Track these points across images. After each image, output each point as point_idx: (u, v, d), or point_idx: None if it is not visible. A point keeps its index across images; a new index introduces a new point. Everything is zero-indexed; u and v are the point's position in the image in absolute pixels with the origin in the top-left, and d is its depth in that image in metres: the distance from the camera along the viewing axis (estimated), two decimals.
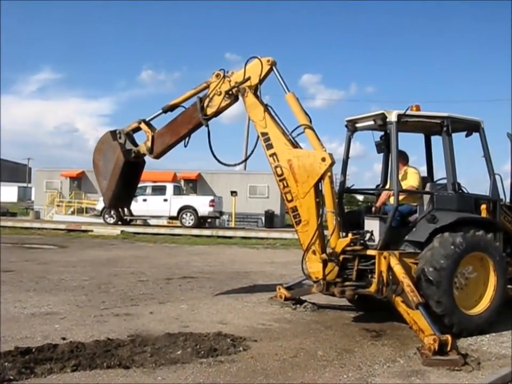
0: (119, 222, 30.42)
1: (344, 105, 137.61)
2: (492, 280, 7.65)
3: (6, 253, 17.05)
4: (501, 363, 6.19)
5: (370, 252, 7.68)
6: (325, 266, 7.73)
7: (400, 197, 7.80)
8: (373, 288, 7.54)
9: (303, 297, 9.27)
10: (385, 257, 7.42)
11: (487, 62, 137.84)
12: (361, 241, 7.74)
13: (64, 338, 6.61)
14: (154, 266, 14.52)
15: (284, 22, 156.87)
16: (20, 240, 22.22)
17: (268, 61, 8.45)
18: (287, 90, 8.39)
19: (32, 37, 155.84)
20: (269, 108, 8.47)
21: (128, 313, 8.30)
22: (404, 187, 8.22)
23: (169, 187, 31.40)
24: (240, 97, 8.65)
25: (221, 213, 32.54)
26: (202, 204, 30.32)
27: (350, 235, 7.72)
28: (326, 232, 8.00)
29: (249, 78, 8.47)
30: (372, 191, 9.83)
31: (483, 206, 8.23)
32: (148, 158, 9.60)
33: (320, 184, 7.85)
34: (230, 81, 8.65)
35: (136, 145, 9.45)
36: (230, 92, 8.63)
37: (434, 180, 8.98)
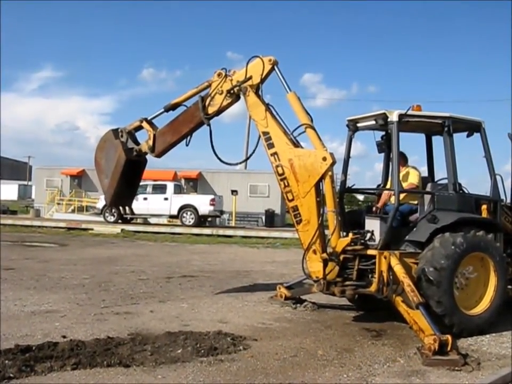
0: (120, 221, 30.39)
1: (345, 104, 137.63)
2: (492, 280, 7.65)
3: (6, 251, 17.05)
4: (501, 363, 6.20)
5: (370, 252, 7.68)
6: (325, 265, 7.73)
7: (401, 197, 7.81)
8: (373, 288, 7.54)
9: (303, 297, 9.28)
10: (385, 257, 7.42)
11: (489, 62, 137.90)
12: (362, 241, 7.74)
13: (64, 337, 6.61)
14: (154, 265, 14.53)
15: (285, 21, 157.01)
16: (20, 238, 22.21)
17: (270, 60, 8.46)
18: (289, 89, 8.39)
19: (34, 35, 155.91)
20: (270, 107, 8.48)
21: (128, 312, 8.31)
22: (405, 187, 8.22)
23: (170, 186, 31.41)
24: (241, 97, 8.65)
25: (222, 212, 32.54)
26: (202, 203, 30.31)
27: (350, 235, 7.73)
28: (326, 232, 7.99)
29: (250, 77, 8.48)
30: (372, 191, 9.83)
31: (484, 206, 8.23)
32: (149, 157, 9.61)
33: (321, 183, 7.85)
34: (231, 80, 8.65)
35: (138, 143, 9.46)
36: (232, 91, 8.63)
37: (435, 180, 8.98)
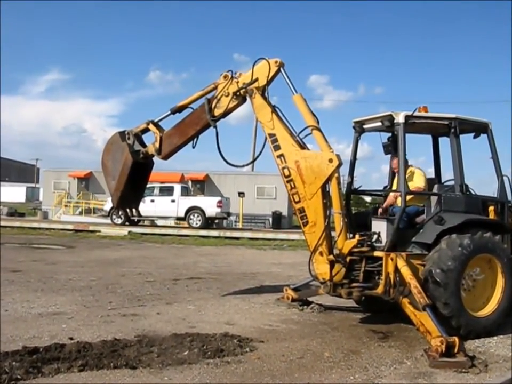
0: (127, 223, 30.46)
1: (352, 106, 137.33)
2: (500, 282, 7.61)
3: (14, 253, 17.16)
4: (509, 365, 6.16)
5: (377, 253, 7.66)
6: (332, 267, 7.73)
7: (408, 197, 7.79)
8: (380, 290, 7.53)
9: (310, 299, 9.26)
10: (392, 259, 7.41)
11: (496, 63, 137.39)
12: (368, 243, 7.74)
13: (71, 338, 6.63)
14: (161, 267, 14.55)
15: (292, 23, 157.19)
16: (28, 240, 22.31)
17: (276, 62, 8.46)
18: (295, 91, 8.39)
19: (40, 38, 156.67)
20: (277, 109, 8.48)
21: (135, 314, 8.32)
22: (410, 188, 8.20)
23: (177, 188, 31.44)
24: (247, 99, 8.66)
25: (229, 214, 32.54)
26: (209, 205, 30.34)
27: (357, 236, 7.73)
28: (333, 234, 7.99)
29: (257, 79, 8.49)
30: (379, 192, 9.81)
31: (491, 208, 8.20)
32: (156, 159, 9.63)
33: (327, 185, 7.84)
34: (237, 82, 8.66)
35: (144, 146, 9.49)
36: (238, 93, 8.64)
37: (442, 181, 8.96)
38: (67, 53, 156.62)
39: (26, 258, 15.58)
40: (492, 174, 8.35)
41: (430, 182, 8.64)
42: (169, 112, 9.37)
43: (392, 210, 8.37)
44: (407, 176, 8.43)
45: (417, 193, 8.29)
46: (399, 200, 8.08)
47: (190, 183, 39.29)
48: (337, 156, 7.81)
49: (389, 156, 8.97)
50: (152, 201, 30.11)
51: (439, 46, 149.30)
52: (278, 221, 35.91)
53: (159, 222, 32.74)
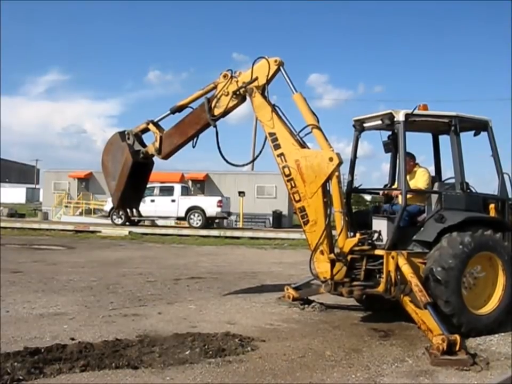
0: (127, 223, 30.47)
1: (352, 104, 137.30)
2: (501, 279, 7.61)
3: (14, 254, 17.16)
4: (510, 363, 6.16)
5: (378, 252, 7.66)
6: (333, 266, 7.72)
7: (409, 197, 7.79)
8: (381, 288, 7.53)
9: (311, 297, 9.26)
10: (393, 257, 7.41)
11: (495, 61, 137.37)
12: (369, 241, 7.73)
13: (73, 339, 6.63)
14: (162, 267, 14.55)
15: (291, 22, 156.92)
16: (29, 241, 22.31)
17: (275, 61, 8.46)
18: (295, 90, 8.38)
19: (40, 38, 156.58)
20: (277, 108, 8.47)
21: (136, 314, 8.32)
22: (412, 187, 8.21)
23: (177, 188, 31.46)
24: (247, 98, 8.66)
25: (229, 214, 32.55)
26: (210, 205, 30.34)
27: (358, 235, 7.73)
28: (333, 232, 7.99)
29: (256, 78, 8.48)
30: (379, 191, 9.80)
31: (491, 206, 8.20)
32: (156, 159, 9.63)
33: (327, 184, 7.84)
34: (237, 81, 8.65)
35: (144, 146, 9.48)
36: (238, 92, 8.63)
37: (443, 179, 8.96)
38: (66, 53, 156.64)
39: (27, 259, 15.58)
40: (493, 171, 8.36)
41: (432, 181, 8.64)
42: (169, 111, 9.36)
43: (393, 209, 8.37)
44: (411, 175, 8.45)
45: (418, 192, 8.30)
46: (400, 199, 8.07)
47: (190, 182, 39.29)
48: (338, 154, 7.80)
49: (389, 154, 8.99)
50: (153, 201, 30.12)
51: (439, 44, 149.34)
52: (278, 220, 35.91)
53: (160, 222, 32.71)
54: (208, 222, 30.67)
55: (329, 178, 7.77)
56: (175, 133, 9.22)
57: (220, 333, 7.02)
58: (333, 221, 7.88)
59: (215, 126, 8.89)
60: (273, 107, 8.44)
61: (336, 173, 7.77)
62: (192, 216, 30.16)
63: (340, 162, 7.79)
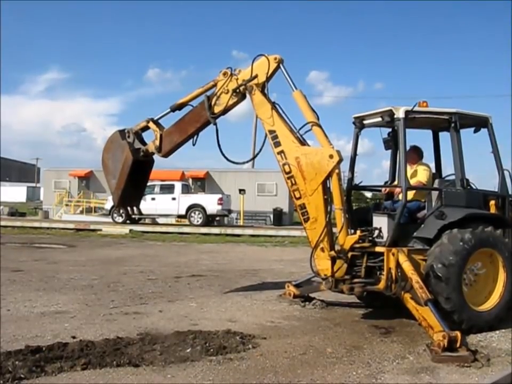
0: (128, 221, 30.49)
1: (352, 102, 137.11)
2: (501, 276, 7.60)
3: (15, 253, 17.18)
4: (511, 359, 6.16)
5: (378, 249, 7.66)
6: (333, 263, 7.72)
7: (409, 194, 7.79)
8: (381, 285, 7.53)
9: (312, 295, 9.26)
10: (393, 254, 7.41)
11: (495, 58, 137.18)
12: (370, 238, 7.72)
13: (74, 337, 6.63)
14: (163, 265, 14.56)
15: (291, 20, 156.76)
16: (29, 240, 22.32)
17: (275, 58, 8.43)
18: (294, 87, 8.36)
19: (39, 37, 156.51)
20: (276, 106, 8.45)
21: (137, 312, 8.33)
22: (412, 183, 8.21)
23: (178, 186, 31.50)
24: (247, 95, 8.65)
25: (229, 211, 32.58)
26: (210, 202, 30.38)
27: (358, 232, 7.71)
28: (334, 230, 7.98)
29: (256, 76, 8.45)
30: (380, 188, 9.81)
31: (492, 202, 8.19)
32: (156, 157, 9.62)
33: (328, 181, 7.83)
34: (237, 79, 8.63)
35: (144, 144, 9.47)
36: (237, 90, 8.62)
37: (443, 176, 8.96)
38: (66, 51, 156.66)
39: (27, 258, 15.59)
40: (493, 168, 8.35)
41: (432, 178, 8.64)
42: (169, 109, 9.35)
43: (393, 206, 8.37)
44: (412, 171, 8.45)
45: (418, 188, 8.30)
46: (401, 195, 8.07)
47: (190, 180, 39.31)
48: (338, 151, 7.78)
49: (390, 151, 8.98)
50: (153, 199, 30.17)
51: (438, 41, 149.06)
52: (279, 218, 35.95)
53: (160, 220, 32.74)
54: (209, 220, 30.71)
55: (329, 176, 7.75)
56: (175, 131, 9.22)
57: (221, 331, 7.02)
58: (333, 218, 7.88)
59: (215, 124, 8.88)
60: (273, 105, 8.42)
61: (337, 170, 7.75)
62: (192, 214, 30.20)
63: (340, 160, 7.76)
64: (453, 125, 7.95)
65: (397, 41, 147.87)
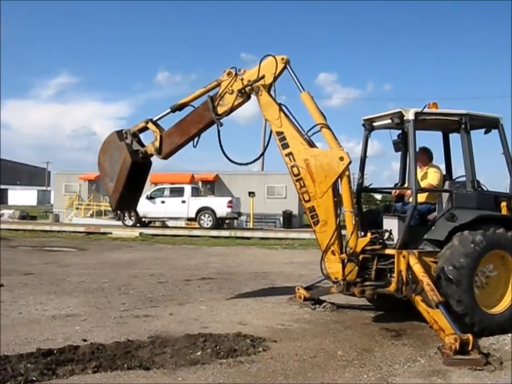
0: (138, 224, 30.56)
1: (361, 104, 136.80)
2: None
3: (26, 256, 17.26)
4: None
5: (389, 251, 7.64)
6: (344, 266, 7.69)
7: (420, 196, 7.76)
8: (392, 288, 7.50)
9: (322, 297, 9.23)
10: (404, 256, 7.38)
11: (506, 58, 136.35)
12: (380, 241, 7.70)
13: (85, 340, 6.65)
14: (173, 268, 14.58)
15: (299, 22, 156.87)
16: (40, 243, 22.42)
17: (282, 59, 8.35)
18: (302, 89, 8.31)
19: (49, 41, 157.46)
20: (283, 107, 8.36)
21: (147, 315, 8.34)
22: (423, 185, 8.17)
23: (187, 188, 31.50)
24: (253, 96, 8.57)
25: (239, 214, 32.55)
26: (220, 205, 30.37)
27: (369, 234, 7.68)
28: (344, 232, 7.96)
29: (263, 77, 8.33)
30: (390, 190, 9.76)
31: (503, 204, 8.14)
32: (154, 159, 9.39)
33: (337, 183, 7.80)
34: (242, 79, 8.51)
35: (143, 145, 9.23)
36: (243, 91, 8.49)
37: (453, 177, 8.91)
38: (76, 56, 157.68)
39: (38, 261, 15.66)
40: (504, 169, 8.30)
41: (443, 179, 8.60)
42: (169, 110, 9.11)
43: (404, 208, 8.34)
44: (423, 173, 8.41)
45: (428, 191, 8.26)
46: (411, 198, 8.03)
47: (200, 183, 39.32)
48: (347, 153, 7.76)
49: (399, 153, 8.95)
50: (163, 202, 30.23)
51: (447, 42, 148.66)
52: (288, 220, 35.89)
53: (170, 223, 32.76)
54: (219, 223, 30.69)
55: (339, 178, 7.73)
56: (176, 132, 9.00)
57: (231, 334, 7.02)
58: (342, 220, 7.85)
59: (221, 125, 8.68)
60: (281, 106, 8.34)
61: (347, 172, 7.72)
62: (202, 217, 30.20)
63: (350, 162, 7.74)
64: (463, 126, 7.91)
65: (406, 42, 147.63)
